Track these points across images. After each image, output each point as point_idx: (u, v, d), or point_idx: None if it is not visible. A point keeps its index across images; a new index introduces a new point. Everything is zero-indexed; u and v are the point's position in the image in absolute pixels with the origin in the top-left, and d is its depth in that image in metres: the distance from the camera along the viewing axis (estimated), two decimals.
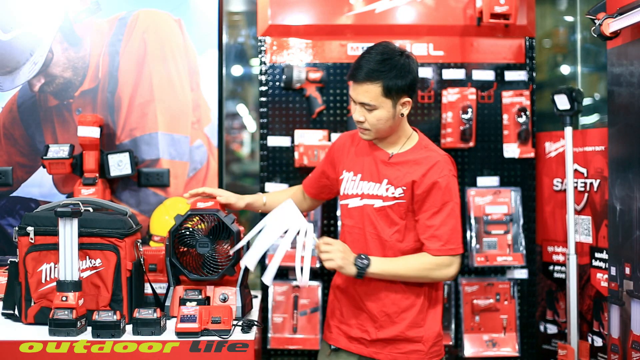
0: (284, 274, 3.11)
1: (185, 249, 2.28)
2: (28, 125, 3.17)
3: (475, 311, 3.11)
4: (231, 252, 2.23)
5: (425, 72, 3.16)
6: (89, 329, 2.07)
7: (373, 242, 2.25)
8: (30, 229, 2.18)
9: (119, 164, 3.01)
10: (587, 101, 3.28)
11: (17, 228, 2.22)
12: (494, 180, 3.18)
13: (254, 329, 2.14)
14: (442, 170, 2.21)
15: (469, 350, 3.07)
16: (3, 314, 2.27)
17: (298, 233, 2.11)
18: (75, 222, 2.10)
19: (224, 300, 2.27)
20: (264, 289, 3.08)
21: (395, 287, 2.24)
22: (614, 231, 2.59)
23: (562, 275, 3.04)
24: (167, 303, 2.27)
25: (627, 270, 2.49)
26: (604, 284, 2.77)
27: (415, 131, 2.34)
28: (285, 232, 2.12)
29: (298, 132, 3.12)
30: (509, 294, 3.12)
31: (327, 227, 3.12)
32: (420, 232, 2.22)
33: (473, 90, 3.13)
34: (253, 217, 3.30)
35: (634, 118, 2.45)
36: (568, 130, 2.92)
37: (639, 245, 2.43)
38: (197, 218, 2.28)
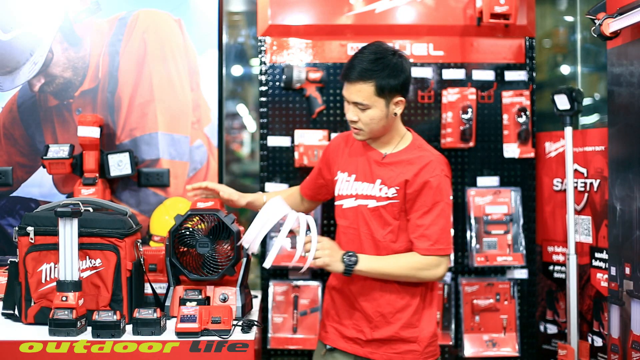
0: (284, 274, 3.11)
1: (185, 249, 2.28)
2: (28, 125, 3.17)
3: (475, 311, 3.11)
4: (244, 244, 2.21)
5: (425, 72, 3.16)
6: (89, 329, 2.07)
7: (367, 243, 2.26)
8: (30, 229, 2.18)
9: (119, 164, 3.01)
10: (587, 101, 3.28)
11: (17, 228, 2.22)
12: (494, 180, 3.18)
13: (254, 329, 2.14)
14: (434, 170, 2.21)
15: (469, 350, 3.07)
16: (3, 314, 2.27)
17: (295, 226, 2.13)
18: (75, 222, 2.10)
19: (224, 300, 2.27)
20: (264, 288, 3.09)
21: (390, 287, 2.24)
22: (614, 231, 2.59)
23: (562, 275, 3.04)
24: (167, 303, 2.27)
25: (627, 270, 2.49)
26: (604, 284, 2.77)
27: (410, 131, 2.34)
28: (282, 221, 2.14)
29: (298, 132, 3.12)
30: (509, 294, 3.12)
31: (327, 227, 3.12)
32: (410, 231, 2.22)
33: (473, 90, 3.13)
34: (253, 216, 3.30)
35: (634, 118, 2.45)
36: (568, 130, 2.92)
37: (639, 245, 2.43)
38: (197, 218, 2.28)
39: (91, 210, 2.23)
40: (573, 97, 2.89)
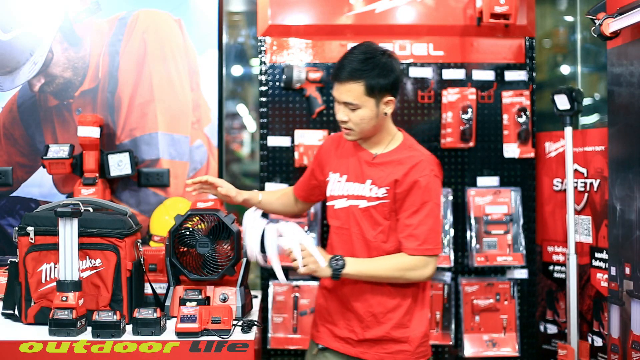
0: (284, 274, 3.10)
1: (185, 249, 2.28)
2: (28, 125, 3.17)
3: (475, 311, 3.11)
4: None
5: (425, 72, 3.16)
6: (89, 329, 2.07)
7: (358, 243, 2.26)
8: (30, 229, 2.18)
9: (119, 164, 3.01)
10: (587, 101, 3.28)
11: (17, 228, 2.22)
12: (494, 180, 3.18)
13: (254, 329, 2.14)
14: (423, 169, 2.21)
15: (469, 350, 3.07)
16: (3, 314, 2.27)
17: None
18: (75, 222, 2.10)
19: (224, 300, 2.27)
20: (264, 288, 3.09)
21: (381, 287, 2.25)
22: (614, 231, 2.59)
23: (562, 275, 3.04)
24: (167, 303, 2.27)
25: (627, 270, 2.49)
26: (604, 284, 2.77)
27: (400, 131, 2.34)
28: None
29: (298, 132, 3.12)
30: (509, 294, 3.12)
31: (327, 227, 3.12)
32: (399, 230, 2.23)
33: (473, 90, 3.13)
34: None
35: (634, 118, 2.45)
36: (568, 130, 2.92)
37: (639, 245, 2.43)
38: (197, 218, 2.28)
39: (91, 210, 2.23)
40: (573, 97, 2.89)
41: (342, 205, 2.30)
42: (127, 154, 3.02)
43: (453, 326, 3.09)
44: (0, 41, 3.13)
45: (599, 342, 2.82)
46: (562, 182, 3.07)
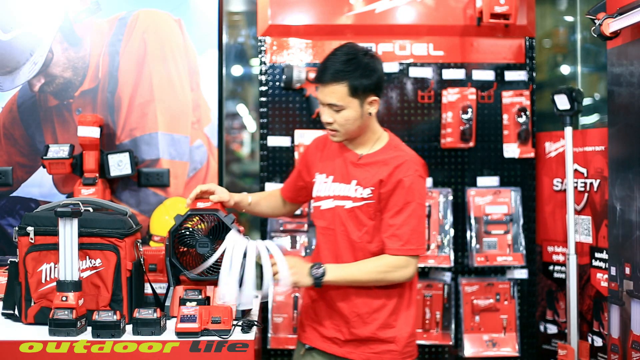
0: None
1: (185, 249, 2.28)
2: (28, 125, 3.17)
3: (475, 311, 3.11)
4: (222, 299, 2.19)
5: (425, 72, 3.16)
6: (89, 329, 2.07)
7: (343, 244, 2.26)
8: (30, 229, 2.18)
9: (119, 164, 3.01)
10: (587, 101, 3.28)
11: (17, 228, 2.22)
12: (494, 180, 3.18)
13: (254, 329, 2.14)
14: (408, 169, 2.21)
15: (469, 350, 3.07)
16: (3, 314, 2.27)
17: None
18: (75, 222, 2.10)
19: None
20: None
21: (366, 288, 2.24)
22: (614, 231, 2.59)
23: (562, 275, 3.04)
24: (167, 303, 2.27)
25: (627, 270, 2.49)
26: (604, 284, 2.77)
27: (386, 131, 2.35)
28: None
29: (298, 132, 3.12)
30: (509, 294, 3.12)
31: None
32: (382, 230, 2.23)
33: (473, 90, 3.13)
34: (253, 217, 3.30)
35: (634, 118, 2.45)
36: (568, 130, 2.92)
37: (639, 245, 2.43)
38: (197, 218, 2.28)
39: (91, 210, 2.23)
40: (573, 97, 2.89)
41: (328, 206, 2.31)
42: (127, 154, 3.02)
43: (453, 326, 3.09)
44: (0, 41, 3.13)
45: (599, 342, 2.83)
46: (562, 182, 3.07)
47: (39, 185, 3.15)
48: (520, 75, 3.18)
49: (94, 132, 2.96)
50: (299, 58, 3.16)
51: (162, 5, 3.19)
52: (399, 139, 2.35)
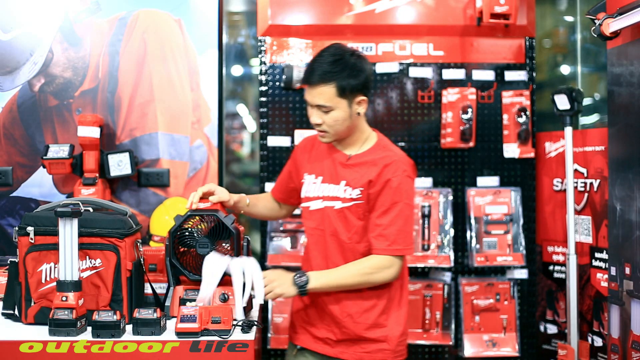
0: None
1: (185, 249, 2.28)
2: (28, 125, 3.17)
3: (475, 311, 3.11)
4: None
5: (425, 72, 3.16)
6: (89, 329, 2.07)
7: (332, 244, 2.26)
8: (30, 229, 2.18)
9: (119, 164, 3.01)
10: (587, 101, 3.28)
11: (17, 228, 2.22)
12: (494, 180, 3.19)
13: (254, 329, 2.14)
14: (396, 170, 2.22)
15: (469, 350, 3.07)
16: (3, 314, 2.27)
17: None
18: (75, 222, 2.10)
19: (224, 300, 2.26)
20: None
21: (356, 289, 2.24)
22: (614, 231, 2.59)
23: (562, 275, 3.04)
24: (167, 303, 2.27)
25: (627, 270, 2.49)
26: (604, 284, 2.77)
27: (375, 131, 2.35)
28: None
29: (298, 132, 3.12)
30: (509, 294, 3.12)
31: None
32: (370, 230, 2.23)
33: (473, 90, 3.13)
34: (252, 218, 3.30)
35: (634, 118, 2.45)
36: (568, 130, 2.92)
37: (639, 245, 2.43)
38: (197, 218, 2.28)
39: (91, 210, 2.23)
40: (573, 97, 2.89)
41: (317, 206, 2.31)
42: (127, 154, 3.02)
43: (453, 326, 3.09)
44: (0, 41, 3.13)
45: (599, 342, 2.83)
46: (562, 182, 3.07)
47: (39, 185, 3.15)
48: (520, 75, 3.19)
49: (94, 132, 2.96)
50: (299, 58, 3.16)
51: (162, 5, 3.19)
52: (388, 139, 2.35)
